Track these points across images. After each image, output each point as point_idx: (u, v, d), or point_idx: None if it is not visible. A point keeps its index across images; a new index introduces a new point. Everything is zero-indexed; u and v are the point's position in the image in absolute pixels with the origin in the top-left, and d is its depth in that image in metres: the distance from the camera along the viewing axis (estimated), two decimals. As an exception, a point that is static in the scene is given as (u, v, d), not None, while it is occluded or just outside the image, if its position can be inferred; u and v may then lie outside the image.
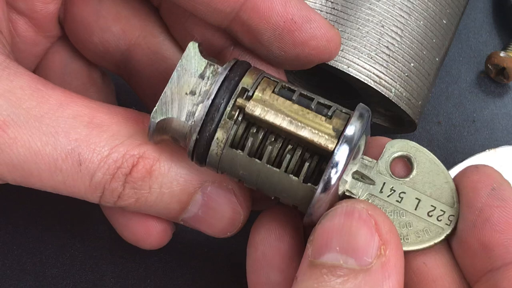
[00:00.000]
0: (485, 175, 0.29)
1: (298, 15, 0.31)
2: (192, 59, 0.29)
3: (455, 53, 0.45)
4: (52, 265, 0.40)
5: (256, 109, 0.28)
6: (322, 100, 0.29)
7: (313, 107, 0.29)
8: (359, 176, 0.30)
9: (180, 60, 0.29)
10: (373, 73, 0.36)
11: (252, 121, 0.29)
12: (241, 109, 0.28)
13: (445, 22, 0.38)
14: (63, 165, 0.28)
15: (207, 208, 0.31)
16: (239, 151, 0.29)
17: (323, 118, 0.28)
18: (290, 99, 0.29)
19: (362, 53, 0.36)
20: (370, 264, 0.26)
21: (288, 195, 0.29)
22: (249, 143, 0.28)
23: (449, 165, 0.38)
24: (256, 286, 0.31)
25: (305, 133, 0.28)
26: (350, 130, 0.28)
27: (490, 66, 0.43)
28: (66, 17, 0.35)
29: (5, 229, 0.40)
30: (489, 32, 0.46)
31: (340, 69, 0.35)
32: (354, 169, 0.30)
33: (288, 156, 0.28)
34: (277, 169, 0.29)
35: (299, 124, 0.28)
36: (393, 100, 0.36)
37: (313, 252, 0.27)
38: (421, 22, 0.37)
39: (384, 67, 0.36)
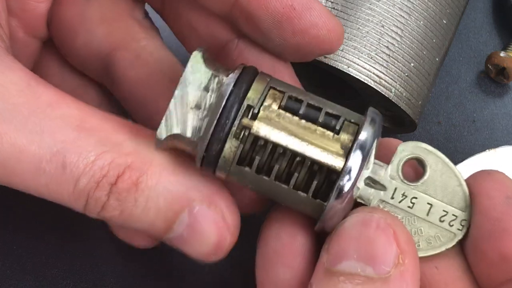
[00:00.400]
0: (498, 181, 0.29)
1: (298, 2, 0.30)
2: (196, 70, 0.28)
3: (455, 53, 0.45)
4: (52, 265, 0.40)
5: (261, 130, 0.28)
6: (330, 110, 0.28)
7: (320, 120, 0.28)
8: (370, 182, 0.30)
9: (184, 72, 0.28)
10: (373, 73, 0.36)
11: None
12: (247, 128, 0.28)
13: (445, 22, 0.38)
14: (47, 167, 0.27)
15: (192, 230, 0.29)
16: (247, 168, 0.28)
17: (331, 134, 0.28)
18: (297, 113, 0.28)
19: (362, 53, 0.36)
20: (388, 273, 0.26)
21: (298, 208, 0.29)
22: (256, 162, 0.28)
23: (449, 165, 0.38)
24: (264, 282, 0.30)
25: (312, 153, 0.28)
26: (363, 136, 0.28)
27: (490, 66, 0.44)
28: (52, 19, 0.35)
29: (5, 229, 0.40)
30: (489, 32, 0.46)
31: (340, 69, 0.35)
32: (367, 174, 0.29)
33: (296, 174, 0.28)
34: (286, 186, 0.28)
35: (306, 144, 0.28)
36: (393, 100, 0.36)
37: (330, 259, 0.27)
38: (421, 22, 0.37)
39: (384, 67, 0.36)
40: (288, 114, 0.28)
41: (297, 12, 0.30)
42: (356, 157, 0.27)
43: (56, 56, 0.37)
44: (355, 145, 0.28)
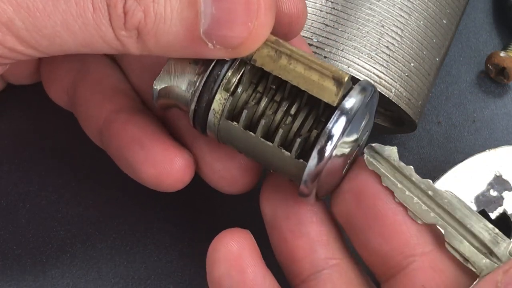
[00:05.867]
0: None
1: None
2: None
3: (455, 53, 0.45)
4: (52, 265, 0.40)
5: (258, 60, 0.28)
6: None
7: (318, 64, 0.29)
8: (487, 252, 0.29)
9: None
10: (373, 73, 0.36)
11: (255, 77, 0.29)
12: (245, 66, 0.29)
13: (445, 22, 0.38)
14: None
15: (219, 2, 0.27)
16: (235, 123, 0.29)
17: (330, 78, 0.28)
18: (293, 60, 0.29)
19: (362, 53, 0.36)
20: None
21: (282, 170, 0.29)
22: (243, 116, 0.29)
23: (449, 165, 0.38)
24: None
25: (308, 86, 0.28)
26: (349, 103, 0.28)
27: (490, 66, 0.43)
28: None
29: (5, 228, 0.40)
30: (489, 32, 0.46)
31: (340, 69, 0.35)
32: (355, 137, 0.29)
33: (281, 130, 0.28)
34: (270, 144, 0.29)
35: (302, 77, 0.28)
36: (393, 100, 0.36)
37: (505, 280, 0.27)
38: (421, 22, 0.37)
39: (384, 67, 0.36)
40: (293, 47, 0.29)
41: None
42: (339, 122, 0.28)
43: None
44: (338, 110, 0.28)
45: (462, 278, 0.29)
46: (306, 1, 0.36)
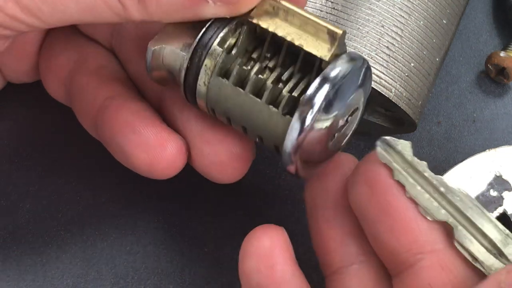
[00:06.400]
0: None
1: None
2: None
3: (455, 53, 0.45)
4: (52, 265, 0.40)
5: (261, 9, 0.28)
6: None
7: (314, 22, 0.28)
8: (493, 249, 0.28)
9: None
10: (373, 73, 0.36)
11: (251, 45, 0.29)
12: (242, 28, 0.29)
13: (445, 22, 0.38)
14: None
15: None
16: (225, 80, 0.29)
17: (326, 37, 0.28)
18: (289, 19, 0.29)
19: (362, 53, 0.36)
20: None
21: (269, 131, 0.29)
22: (234, 72, 0.28)
23: (449, 165, 0.38)
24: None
25: (308, 32, 0.28)
26: (334, 72, 0.27)
27: (490, 66, 0.43)
28: None
29: (5, 228, 0.40)
30: (489, 32, 0.46)
31: (340, 69, 0.35)
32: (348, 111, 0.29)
33: (271, 86, 0.28)
34: (259, 100, 0.28)
35: (296, 33, 0.28)
36: (393, 100, 0.36)
37: (508, 280, 0.27)
38: (421, 22, 0.37)
39: (384, 67, 0.36)
40: (281, 14, 0.29)
41: None
42: (321, 90, 0.27)
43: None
44: (321, 77, 0.27)
45: (470, 277, 0.29)
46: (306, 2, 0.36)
